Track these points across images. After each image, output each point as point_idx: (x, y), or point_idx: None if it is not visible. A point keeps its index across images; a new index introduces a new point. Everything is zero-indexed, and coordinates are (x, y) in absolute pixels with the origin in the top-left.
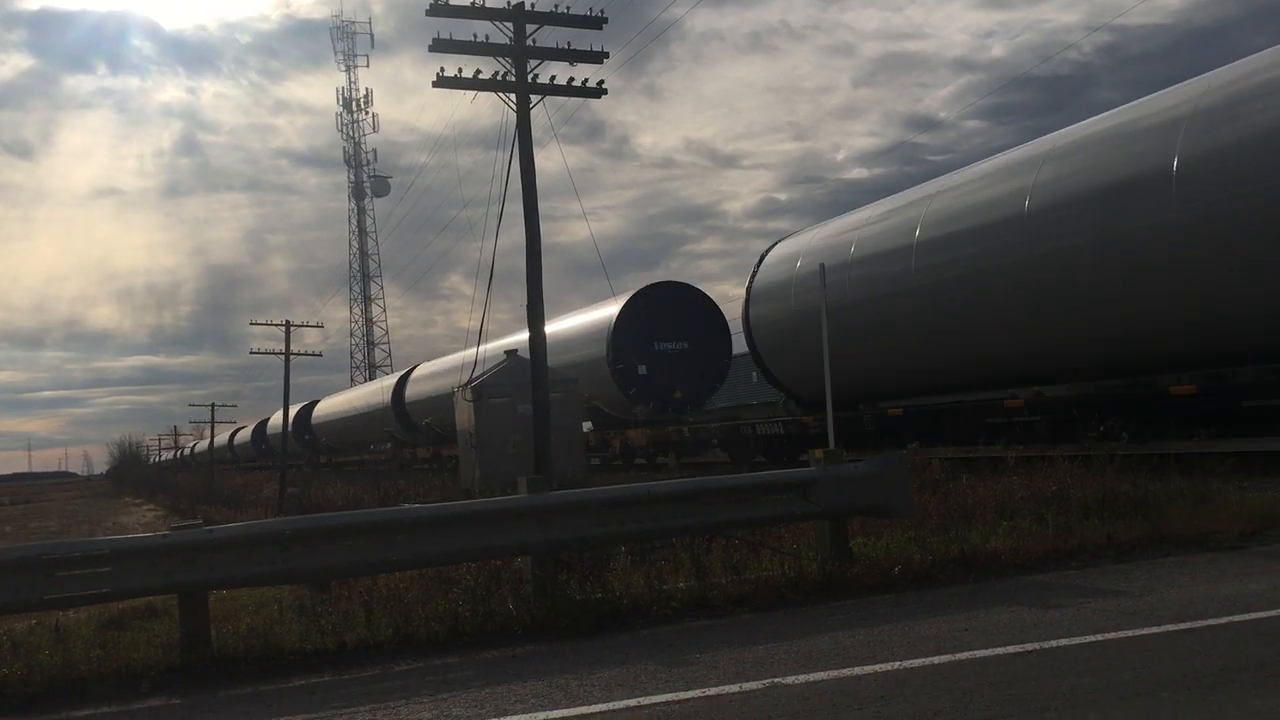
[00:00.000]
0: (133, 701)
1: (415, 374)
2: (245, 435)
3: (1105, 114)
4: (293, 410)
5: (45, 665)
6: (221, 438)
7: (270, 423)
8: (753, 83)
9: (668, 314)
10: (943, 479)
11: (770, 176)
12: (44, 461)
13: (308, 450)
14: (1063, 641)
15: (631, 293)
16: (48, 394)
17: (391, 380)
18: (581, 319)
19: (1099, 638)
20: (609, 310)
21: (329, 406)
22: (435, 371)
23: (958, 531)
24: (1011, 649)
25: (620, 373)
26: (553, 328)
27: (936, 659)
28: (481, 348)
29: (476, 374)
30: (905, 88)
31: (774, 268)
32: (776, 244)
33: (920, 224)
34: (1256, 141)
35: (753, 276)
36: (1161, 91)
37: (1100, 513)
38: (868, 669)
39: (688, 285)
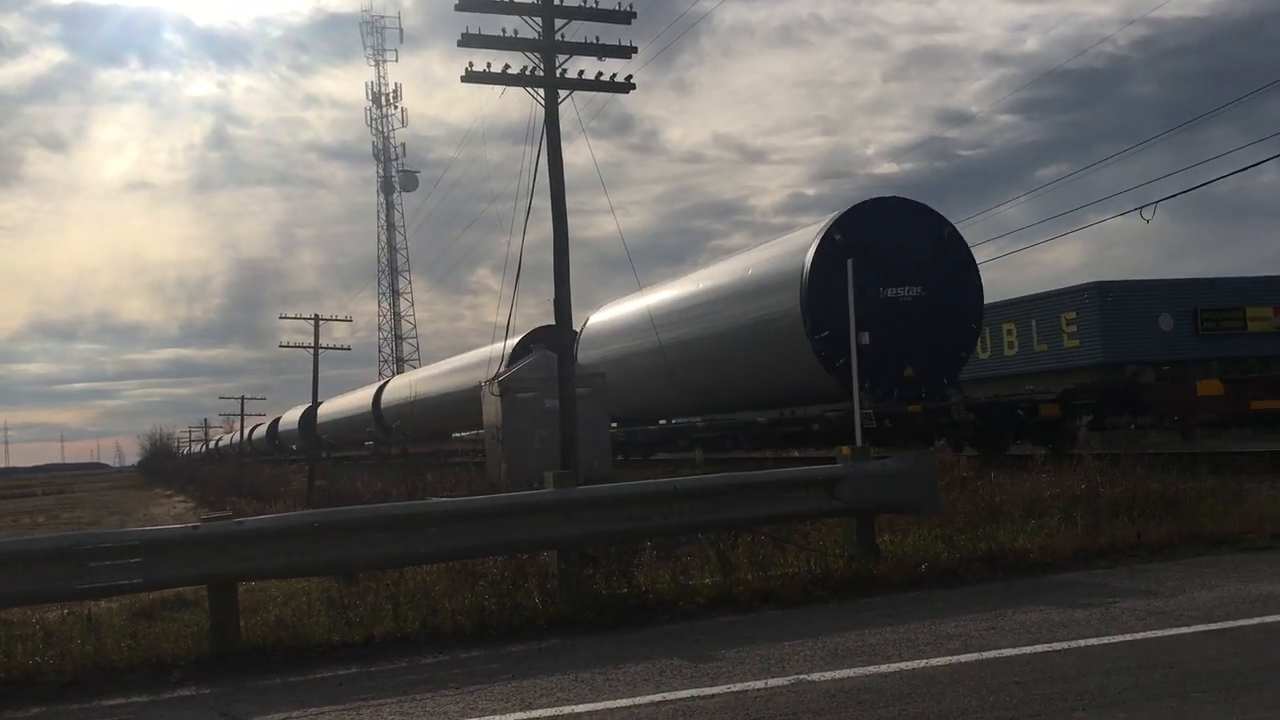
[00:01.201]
0: (163, 691)
1: (389, 385)
2: (262, 431)
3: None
4: (300, 410)
5: (77, 654)
6: (259, 431)
7: (283, 420)
8: (782, 77)
9: (889, 246)
10: (970, 476)
11: (799, 171)
12: (77, 452)
13: (312, 446)
14: (1091, 641)
15: (835, 216)
16: (80, 386)
17: (371, 389)
18: (739, 264)
19: (1128, 637)
20: (800, 243)
21: (329, 408)
22: (403, 384)
23: (985, 529)
24: (1039, 648)
25: (824, 342)
26: (699, 275)
27: (963, 657)
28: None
29: (503, 369)
30: (937, 82)
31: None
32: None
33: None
34: None
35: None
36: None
37: (1130, 511)
38: (894, 666)
39: (920, 204)
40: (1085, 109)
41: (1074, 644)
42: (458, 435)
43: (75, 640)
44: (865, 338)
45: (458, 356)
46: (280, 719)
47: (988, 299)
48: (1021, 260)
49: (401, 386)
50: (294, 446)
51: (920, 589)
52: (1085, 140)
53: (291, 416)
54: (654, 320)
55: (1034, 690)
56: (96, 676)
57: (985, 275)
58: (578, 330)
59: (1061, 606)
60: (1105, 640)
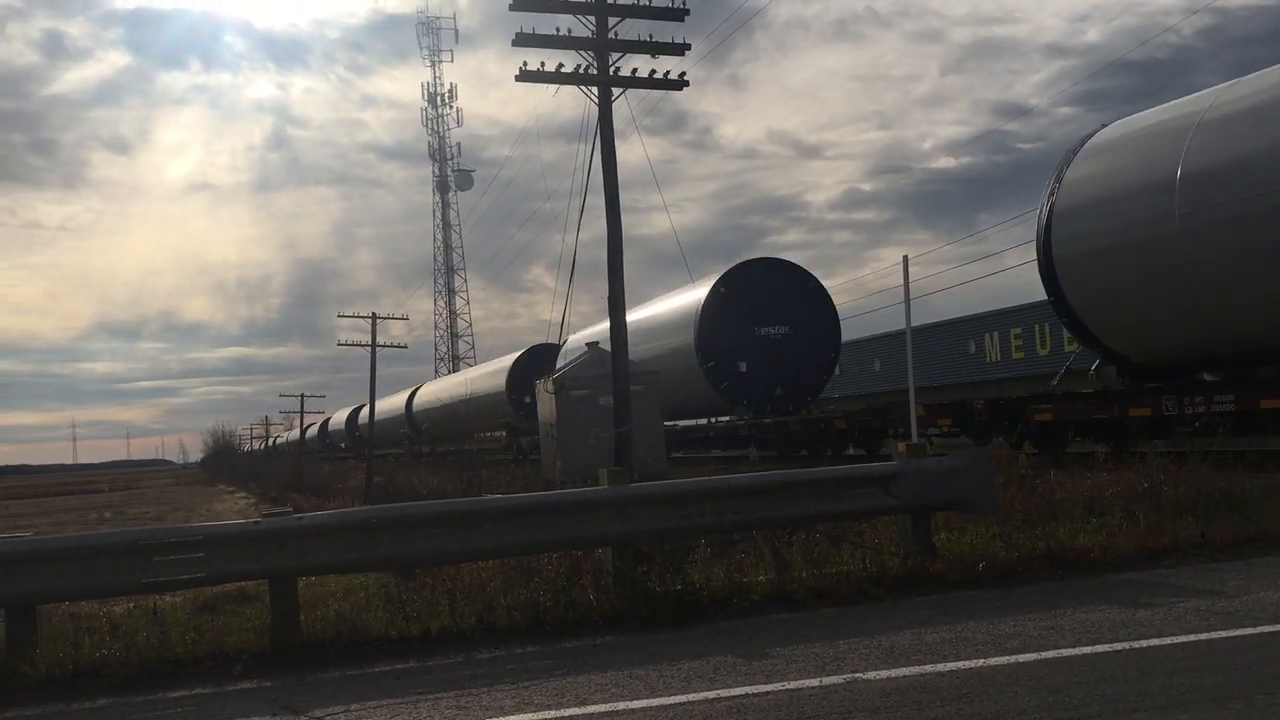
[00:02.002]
0: (225, 684)
1: (420, 390)
2: (313, 431)
3: None
4: (345, 412)
5: (143, 647)
6: (312, 430)
7: (332, 420)
8: (838, 71)
9: (763, 296)
10: (1029, 474)
11: (854, 167)
12: (142, 449)
13: (357, 445)
14: (1154, 641)
15: (720, 273)
16: (145, 384)
17: (404, 394)
18: (662, 307)
19: (1191, 638)
20: (695, 295)
21: (368, 413)
22: (431, 390)
23: (1045, 528)
24: (1100, 648)
25: (713, 370)
26: (630, 317)
27: (1022, 657)
28: (508, 357)
29: (558, 367)
30: (995, 74)
31: (1117, 153)
32: (1097, 133)
33: None
34: None
35: (1056, 184)
36: None
37: (1193, 510)
38: (951, 665)
39: (789, 262)
40: (1149, 100)
41: (1136, 644)
42: (481, 435)
43: (141, 633)
44: (743, 366)
45: (473, 369)
46: (340, 712)
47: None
48: None
49: (430, 392)
50: (342, 445)
51: (977, 588)
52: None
53: (340, 417)
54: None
55: (1094, 691)
56: (161, 669)
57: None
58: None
59: (1123, 606)
60: (1168, 641)
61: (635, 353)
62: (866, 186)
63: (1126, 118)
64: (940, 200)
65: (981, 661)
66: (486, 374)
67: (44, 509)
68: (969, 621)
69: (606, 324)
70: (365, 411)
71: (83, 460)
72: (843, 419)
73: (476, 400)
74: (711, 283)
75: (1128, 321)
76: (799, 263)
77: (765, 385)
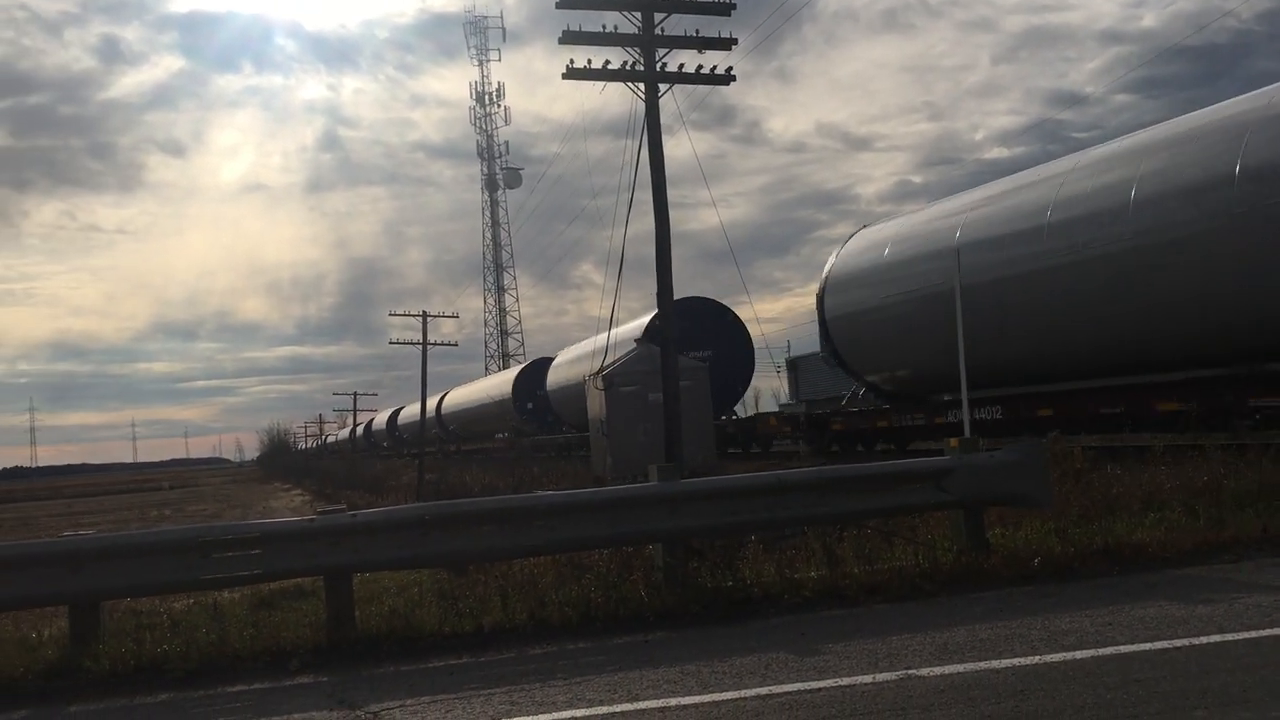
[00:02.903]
0: (283, 679)
1: (448, 395)
2: (359, 431)
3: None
4: (386, 413)
5: (202, 642)
6: (359, 430)
7: (375, 421)
8: (887, 63)
9: (693, 327)
10: (1085, 468)
11: (905, 159)
12: (199, 448)
13: (396, 445)
14: (1214, 638)
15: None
16: (202, 383)
17: (433, 400)
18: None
19: (1252, 634)
20: (639, 323)
21: (408, 412)
22: (456, 395)
23: (1101, 523)
24: (1159, 645)
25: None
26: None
27: (1078, 653)
28: (512, 370)
29: (609, 362)
30: (1049, 63)
31: (858, 255)
32: (855, 234)
33: (1051, 205)
34: None
35: (830, 266)
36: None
37: (1255, 504)
38: (1006, 662)
39: (711, 300)
40: (1207, 86)
41: (1195, 641)
42: (498, 436)
43: (201, 629)
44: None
45: (489, 377)
46: (395, 706)
47: None
48: None
49: (453, 397)
50: (384, 444)
51: (1032, 584)
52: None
53: (382, 418)
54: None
55: (1153, 688)
56: (220, 664)
57: None
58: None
59: (1182, 602)
60: (1229, 637)
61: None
62: (917, 178)
63: (870, 227)
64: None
65: (1037, 658)
66: (499, 383)
67: (105, 507)
68: (1024, 618)
69: (603, 338)
70: (405, 412)
71: (142, 459)
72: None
73: (492, 406)
74: (646, 321)
75: (872, 361)
76: None
77: None
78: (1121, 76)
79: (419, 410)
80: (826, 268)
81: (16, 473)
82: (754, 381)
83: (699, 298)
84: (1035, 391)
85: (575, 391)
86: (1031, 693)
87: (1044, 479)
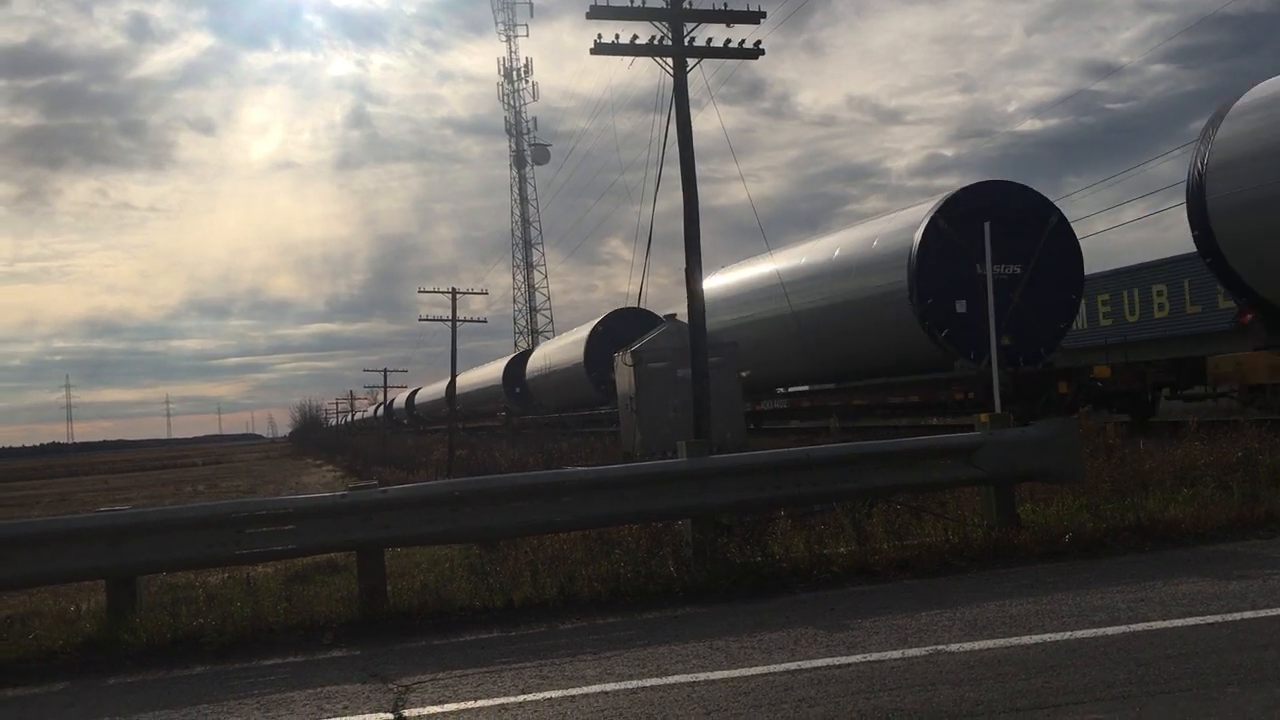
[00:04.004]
0: (316, 652)
1: (460, 378)
2: (381, 409)
3: None
4: (407, 392)
5: (237, 616)
6: (392, 401)
7: (395, 400)
8: (919, 34)
9: (999, 225)
10: (1117, 444)
11: (936, 132)
12: (233, 424)
13: (414, 422)
14: (1247, 614)
15: (944, 197)
16: (234, 360)
17: (443, 383)
18: (852, 235)
19: None
20: (908, 221)
21: (424, 394)
22: (473, 375)
23: (1134, 499)
24: (1191, 620)
25: (930, 311)
26: (779, 265)
27: (1110, 629)
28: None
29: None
30: (1084, 32)
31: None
32: (1246, 93)
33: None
34: None
35: (1207, 144)
36: None
37: None
38: (1036, 638)
39: (1027, 188)
40: (1248, 55)
41: (1228, 617)
42: (499, 415)
43: (236, 603)
44: (962, 305)
45: (486, 365)
46: (427, 680)
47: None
48: (1170, 220)
49: (463, 381)
50: (404, 421)
51: (1063, 560)
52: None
53: (402, 397)
54: (784, 285)
55: (1185, 664)
56: (255, 637)
57: (1135, 234)
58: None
59: (1215, 578)
60: (1262, 613)
61: (815, 294)
62: (948, 151)
63: (1273, 79)
64: (1025, 164)
65: (1068, 634)
66: (490, 371)
67: (141, 482)
68: (1055, 594)
69: (714, 280)
70: (421, 392)
71: (176, 435)
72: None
73: (489, 389)
74: (934, 208)
75: None
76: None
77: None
78: (1158, 46)
79: (440, 389)
80: (1198, 155)
81: (54, 449)
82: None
83: (1005, 183)
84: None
85: (553, 380)
86: (1063, 669)
87: (1075, 454)
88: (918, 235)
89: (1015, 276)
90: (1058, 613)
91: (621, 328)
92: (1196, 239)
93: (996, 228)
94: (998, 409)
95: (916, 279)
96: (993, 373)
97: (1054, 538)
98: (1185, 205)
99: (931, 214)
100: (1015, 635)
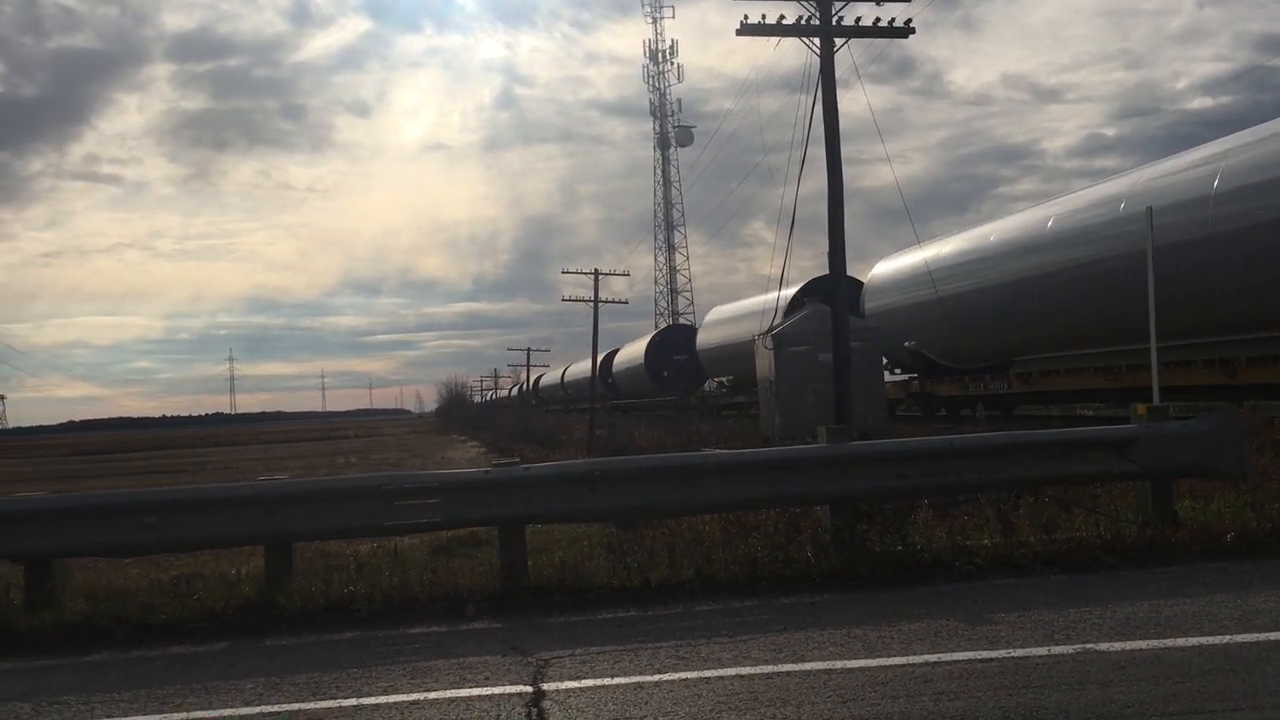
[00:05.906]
0: (459, 623)
1: (613, 355)
2: (517, 390)
3: None
4: (558, 370)
5: (385, 585)
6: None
7: (535, 380)
8: (1081, 8)
9: None
10: None
11: (1097, 110)
12: (382, 399)
13: (540, 404)
14: None
15: None
16: (384, 337)
17: (585, 364)
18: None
19: None
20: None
21: (548, 378)
22: (575, 367)
23: None
24: None
25: None
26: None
27: (1273, 635)
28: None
29: (777, 322)
30: (1261, 4)
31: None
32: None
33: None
34: None
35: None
36: None
37: None
38: (1193, 640)
39: None
40: None
41: None
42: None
43: (384, 572)
44: None
45: (635, 342)
46: (565, 656)
47: None
48: None
49: (619, 357)
50: (531, 402)
51: (1224, 560)
52: None
53: (554, 375)
54: (934, 273)
55: None
56: (401, 606)
57: None
58: (861, 280)
59: None
60: None
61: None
62: (1110, 131)
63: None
64: (1193, 144)
65: (1227, 638)
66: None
67: (297, 453)
68: (1214, 595)
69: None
70: (572, 369)
71: (330, 408)
72: None
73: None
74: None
75: None
76: None
77: None
78: None
79: (586, 367)
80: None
81: (218, 418)
82: None
83: None
84: None
85: (626, 376)
86: (1220, 673)
87: (1240, 449)
88: None
89: None
90: (1216, 615)
91: (673, 336)
92: None
93: None
94: (1155, 400)
95: None
96: (1152, 362)
97: (1214, 537)
98: None
99: None
100: (1170, 637)
